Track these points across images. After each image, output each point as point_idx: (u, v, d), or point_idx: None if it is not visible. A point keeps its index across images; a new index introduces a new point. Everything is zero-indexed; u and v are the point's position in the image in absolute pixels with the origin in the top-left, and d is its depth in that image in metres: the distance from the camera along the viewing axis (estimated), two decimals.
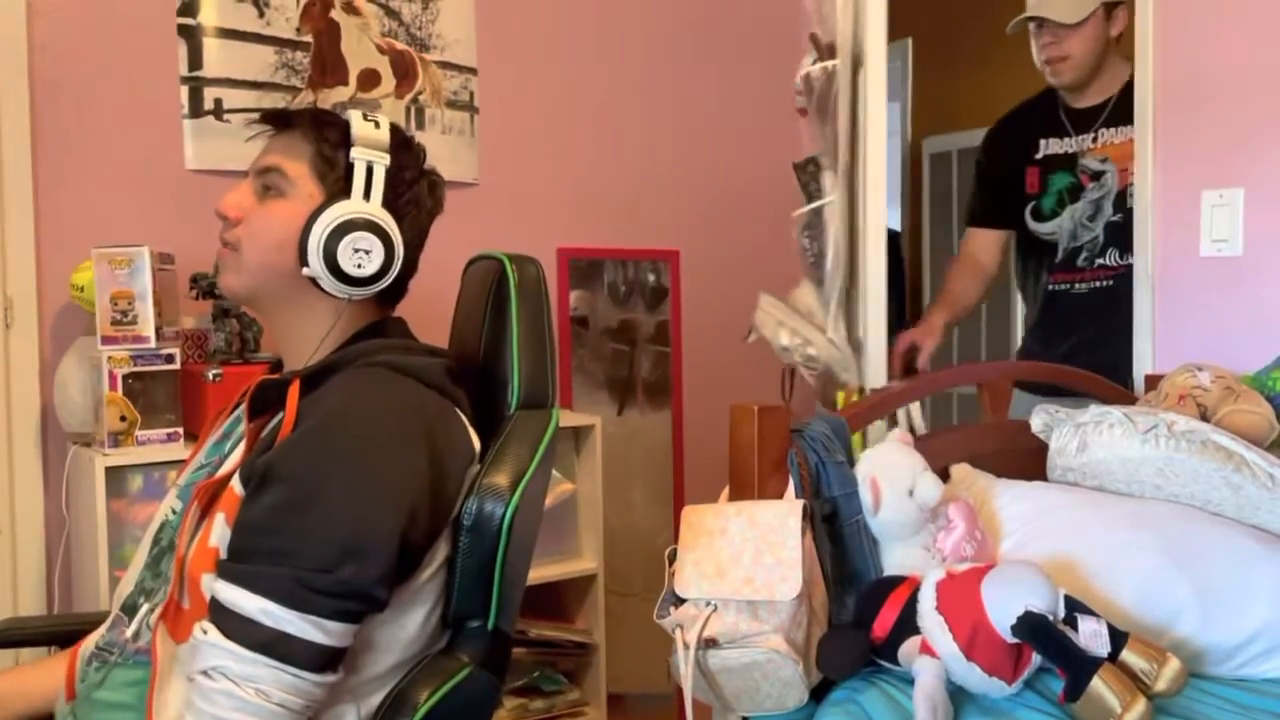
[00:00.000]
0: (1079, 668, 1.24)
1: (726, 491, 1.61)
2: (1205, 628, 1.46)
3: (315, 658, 1.02)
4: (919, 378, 2.20)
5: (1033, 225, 2.37)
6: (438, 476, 1.13)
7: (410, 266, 1.29)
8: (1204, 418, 1.75)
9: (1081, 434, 1.74)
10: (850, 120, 2.02)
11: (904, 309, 4.10)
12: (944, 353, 3.98)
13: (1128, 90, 2.25)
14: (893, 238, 4.15)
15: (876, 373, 2.02)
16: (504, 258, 1.32)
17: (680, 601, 1.45)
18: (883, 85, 2.01)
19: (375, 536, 1.05)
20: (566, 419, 2.50)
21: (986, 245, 2.52)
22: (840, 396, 2.14)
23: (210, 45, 2.33)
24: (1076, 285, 2.34)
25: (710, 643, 1.40)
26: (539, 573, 2.42)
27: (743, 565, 1.41)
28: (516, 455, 1.22)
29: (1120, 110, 2.27)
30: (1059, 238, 2.33)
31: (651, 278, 3.03)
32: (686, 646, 1.39)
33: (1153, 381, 2.02)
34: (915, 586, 1.41)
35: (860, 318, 2.08)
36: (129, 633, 1.23)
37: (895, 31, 4.17)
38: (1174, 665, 1.30)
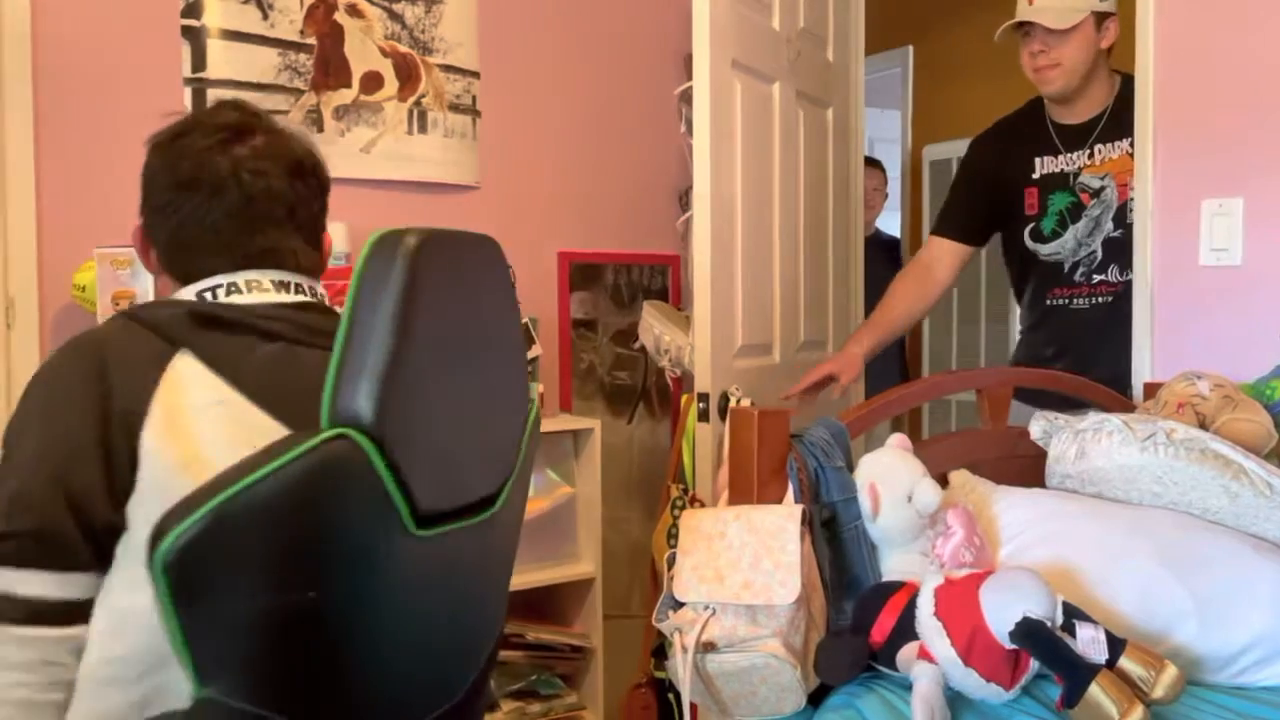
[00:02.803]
0: (1076, 674, 1.25)
1: (726, 496, 1.61)
2: (1203, 635, 1.46)
3: (10, 609, 1.03)
4: (915, 382, 2.20)
5: (1033, 246, 2.31)
6: (104, 426, 1.07)
7: (210, 256, 1.23)
8: (1203, 426, 1.76)
9: (1080, 441, 1.74)
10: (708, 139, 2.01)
11: None
12: (943, 358, 4.00)
13: (1118, 105, 2.24)
14: (893, 244, 4.16)
15: (703, 377, 2.01)
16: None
17: (679, 605, 1.46)
18: (706, 110, 2.00)
19: (33, 482, 1.05)
20: (565, 423, 2.50)
21: (945, 257, 2.39)
22: (684, 399, 2.20)
23: (214, 47, 2.33)
24: (1075, 300, 2.31)
25: (708, 647, 1.40)
26: (537, 576, 2.43)
27: (741, 570, 1.42)
28: (217, 480, 0.94)
29: (1113, 125, 2.24)
30: (1062, 258, 2.29)
31: (655, 279, 3.04)
32: (685, 650, 1.39)
33: (1151, 389, 2.02)
34: (914, 592, 1.42)
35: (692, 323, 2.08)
36: None
37: (895, 39, 4.19)
38: (1172, 672, 1.30)
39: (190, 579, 0.89)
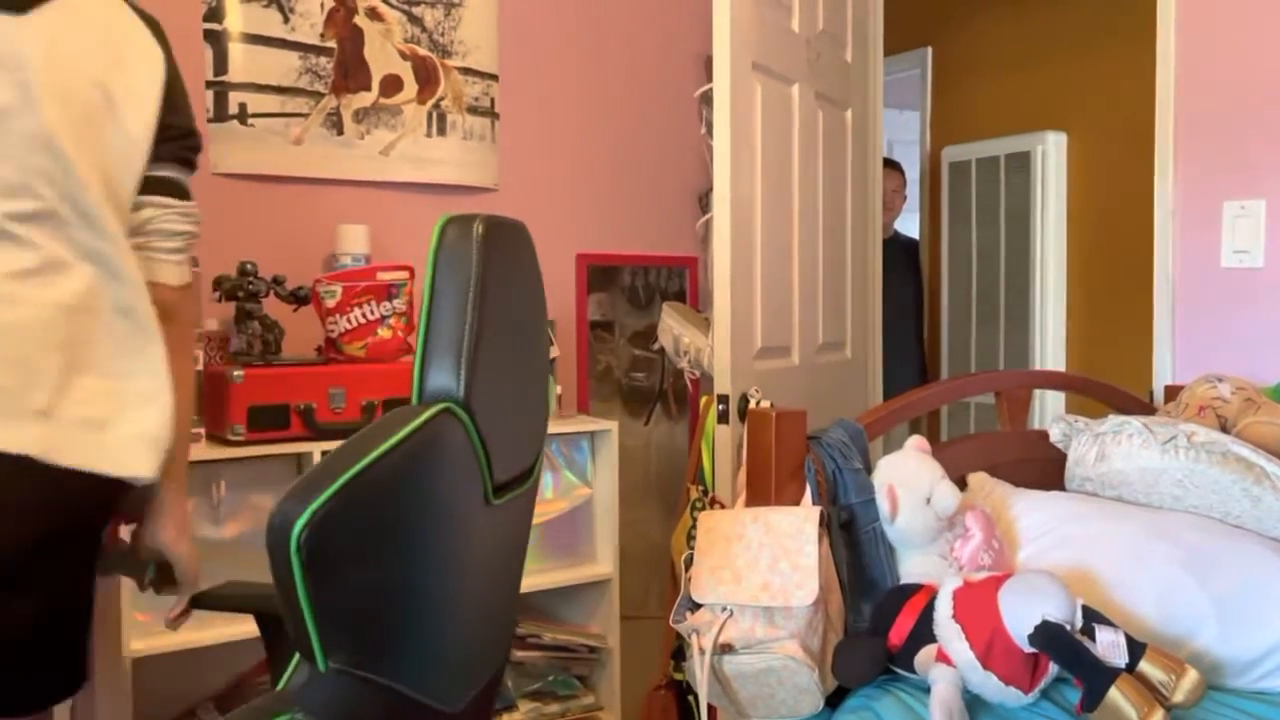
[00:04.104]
0: (1096, 678, 1.24)
1: (744, 497, 1.61)
2: (1224, 639, 1.45)
3: None
4: (934, 385, 2.20)
5: None
6: None
7: None
8: (1224, 429, 1.75)
9: (1100, 444, 1.74)
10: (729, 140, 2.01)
11: (921, 318, 4.09)
12: (963, 362, 3.98)
13: None
14: (912, 246, 4.14)
15: (723, 379, 2.02)
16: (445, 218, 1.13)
17: (697, 606, 1.46)
18: (726, 112, 2.00)
19: None
20: (583, 424, 2.51)
21: None
22: (704, 401, 2.21)
23: (236, 50, 2.35)
24: None
25: (726, 648, 1.40)
26: (555, 576, 2.43)
27: (759, 571, 1.42)
28: (335, 459, 0.96)
29: None
30: None
31: (673, 281, 3.04)
32: (702, 652, 1.40)
33: (1172, 392, 2.01)
34: (932, 594, 1.42)
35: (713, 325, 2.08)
36: None
37: (914, 40, 4.17)
38: (1192, 677, 1.29)
39: (320, 555, 0.91)
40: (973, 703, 1.34)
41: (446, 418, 1.04)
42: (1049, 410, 3.48)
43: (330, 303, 2.17)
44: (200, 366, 2.02)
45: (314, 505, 0.91)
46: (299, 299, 2.20)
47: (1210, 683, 1.38)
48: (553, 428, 2.43)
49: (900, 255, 3.94)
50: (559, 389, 2.57)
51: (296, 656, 0.99)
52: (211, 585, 1.49)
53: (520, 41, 2.77)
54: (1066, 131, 3.57)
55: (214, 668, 2.25)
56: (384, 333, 2.19)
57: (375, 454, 0.96)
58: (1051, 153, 3.58)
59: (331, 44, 2.46)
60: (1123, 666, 1.28)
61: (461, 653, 1.12)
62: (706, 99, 2.80)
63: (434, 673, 1.07)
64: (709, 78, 2.51)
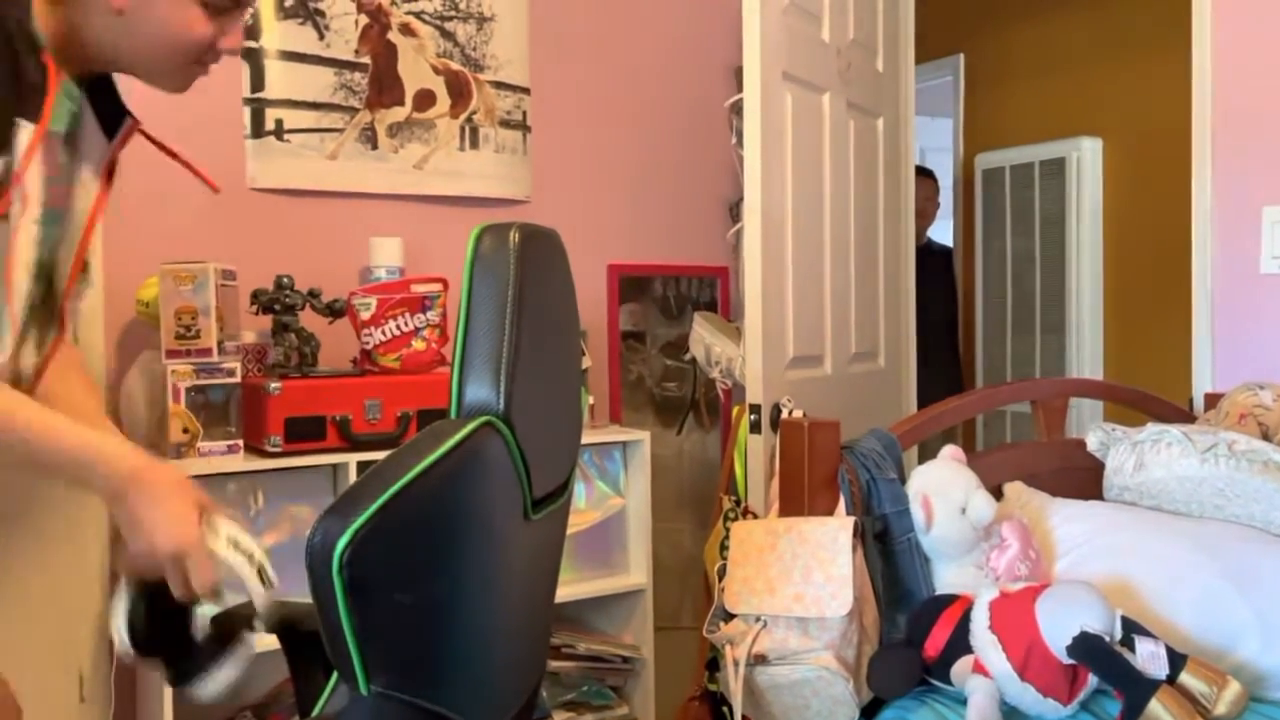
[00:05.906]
0: (1136, 690, 1.23)
1: (777, 508, 1.61)
2: (1267, 650, 1.43)
3: None
4: (969, 393, 2.18)
5: None
6: None
7: None
8: (1265, 437, 1.72)
9: (1139, 453, 1.72)
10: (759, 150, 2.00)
11: (955, 326, 4.07)
12: (998, 370, 3.95)
13: None
14: (946, 254, 4.12)
15: (755, 389, 2.01)
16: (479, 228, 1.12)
17: (730, 617, 1.46)
18: (757, 122, 2.00)
19: None
20: (615, 434, 2.51)
21: None
22: (736, 411, 2.22)
23: (272, 67, 2.39)
24: None
25: (760, 659, 1.40)
26: (588, 587, 2.44)
27: (793, 582, 1.41)
28: (376, 475, 0.94)
29: None
30: None
31: (704, 291, 3.04)
32: (736, 663, 1.40)
33: (1212, 400, 1.99)
34: (968, 605, 1.41)
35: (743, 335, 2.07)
36: None
37: (946, 47, 4.16)
38: (1234, 689, 1.28)
39: (362, 575, 0.89)
40: (1010, 714, 1.33)
41: (487, 431, 1.02)
42: (1086, 419, 3.44)
43: (365, 315, 2.19)
44: (238, 379, 2.05)
45: (356, 523, 0.88)
46: (334, 312, 2.22)
47: (1253, 694, 1.35)
48: (585, 438, 2.44)
49: (934, 263, 3.92)
50: (591, 399, 2.58)
51: (334, 678, 0.97)
52: (236, 603, 1.48)
53: (551, 55, 2.79)
54: (1102, 137, 3.54)
55: (253, 677, 2.27)
56: (418, 344, 2.21)
57: (418, 469, 0.93)
58: (1087, 159, 3.55)
59: (366, 60, 2.50)
60: (1163, 678, 1.27)
61: (501, 673, 1.11)
62: (737, 109, 2.80)
63: (475, 694, 1.05)
64: (739, 88, 2.52)
